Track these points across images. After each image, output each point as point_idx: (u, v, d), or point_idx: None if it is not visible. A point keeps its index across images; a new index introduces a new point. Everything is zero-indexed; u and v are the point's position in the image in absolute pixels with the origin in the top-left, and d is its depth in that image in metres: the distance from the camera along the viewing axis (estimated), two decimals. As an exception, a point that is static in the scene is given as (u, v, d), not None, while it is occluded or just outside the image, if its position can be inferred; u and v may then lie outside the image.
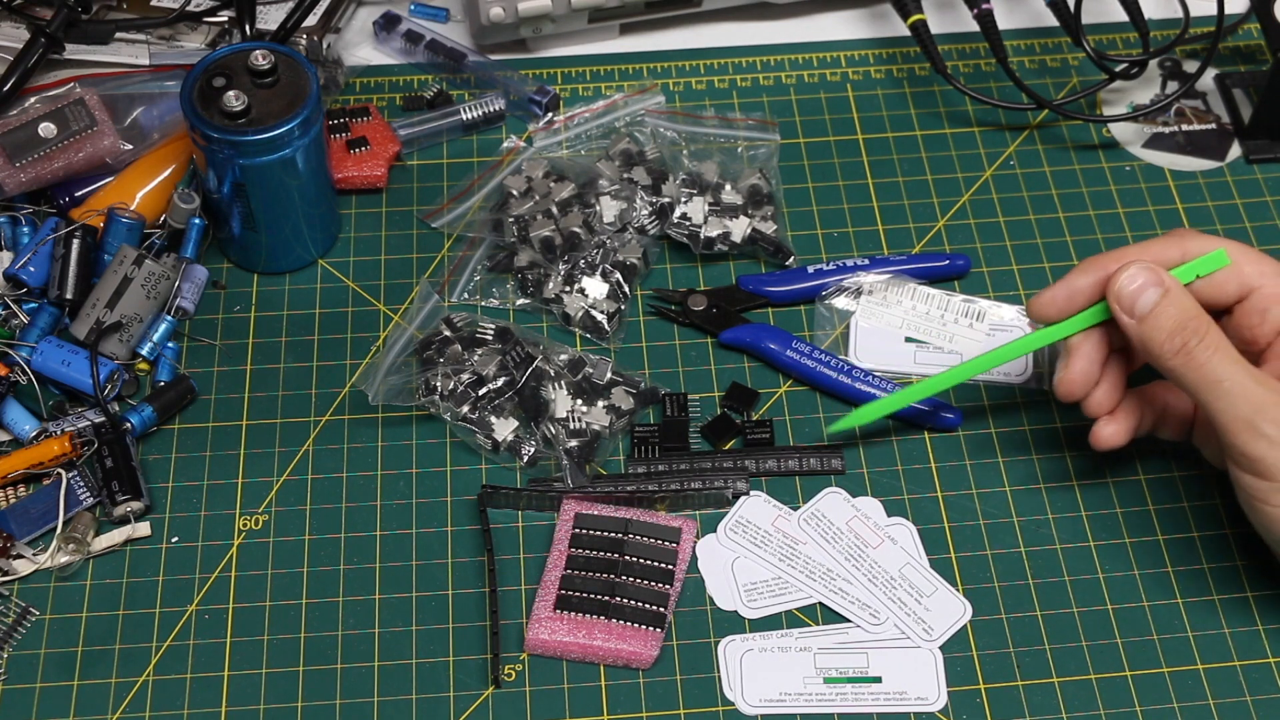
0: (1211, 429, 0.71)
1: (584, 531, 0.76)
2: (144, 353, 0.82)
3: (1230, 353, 0.69)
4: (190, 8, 0.92)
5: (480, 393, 0.80)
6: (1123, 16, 0.98)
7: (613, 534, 0.75)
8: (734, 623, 0.74)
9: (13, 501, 0.77)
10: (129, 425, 0.78)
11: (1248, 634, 0.74)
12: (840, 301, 0.86)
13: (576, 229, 0.86)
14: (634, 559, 0.75)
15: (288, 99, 0.80)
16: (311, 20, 0.95)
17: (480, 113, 0.93)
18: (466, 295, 0.86)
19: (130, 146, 0.86)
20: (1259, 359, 0.72)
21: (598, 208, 0.87)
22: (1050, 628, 0.74)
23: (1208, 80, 0.98)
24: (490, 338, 0.82)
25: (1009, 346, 0.75)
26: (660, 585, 0.74)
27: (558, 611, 0.73)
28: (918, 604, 0.75)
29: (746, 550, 0.76)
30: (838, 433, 0.79)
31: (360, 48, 0.99)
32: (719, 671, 0.72)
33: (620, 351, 0.84)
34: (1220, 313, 0.73)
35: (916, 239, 0.89)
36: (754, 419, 0.81)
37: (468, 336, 0.82)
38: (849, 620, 0.74)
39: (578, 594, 0.73)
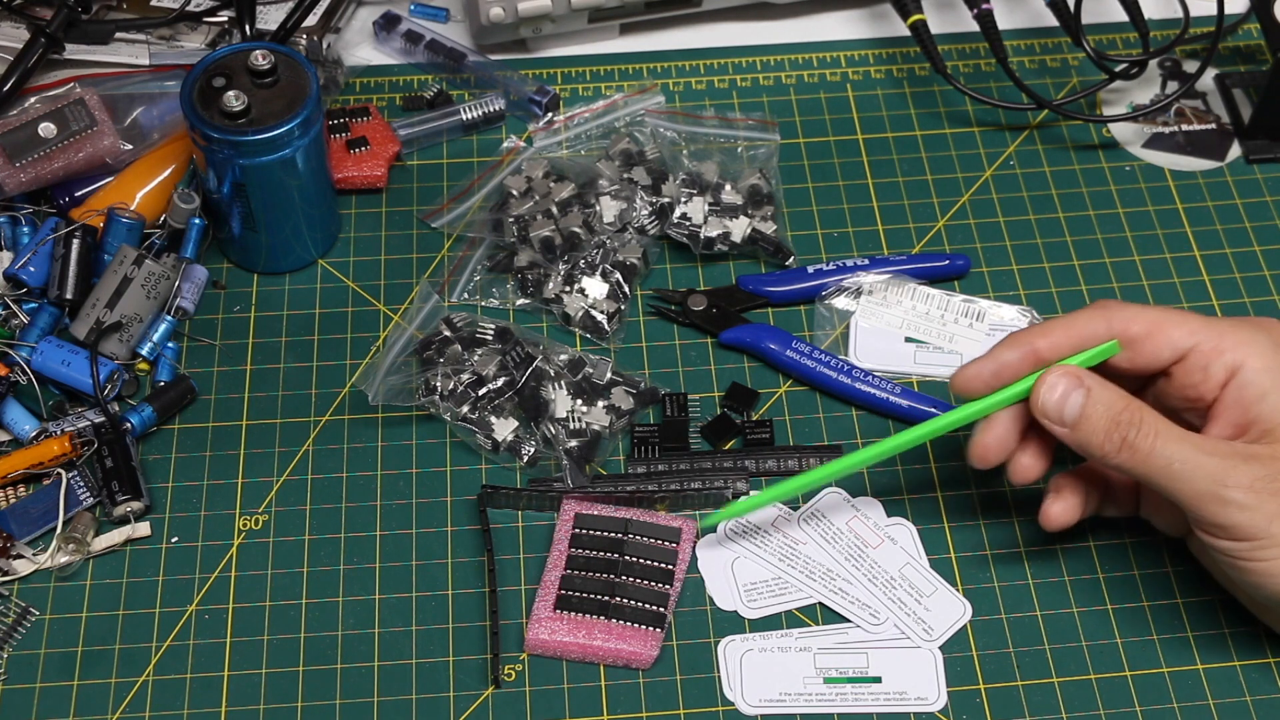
0: (1161, 501, 0.71)
1: (584, 532, 0.76)
2: (144, 353, 0.82)
3: (1171, 431, 0.67)
4: (190, 8, 0.92)
5: (480, 393, 0.80)
6: (1123, 16, 0.98)
7: (612, 534, 0.75)
8: (734, 623, 0.74)
9: (13, 501, 0.77)
10: (129, 425, 0.78)
11: (1248, 634, 0.74)
12: (840, 301, 0.86)
13: (576, 229, 0.86)
14: (634, 559, 0.75)
15: (288, 99, 0.80)
16: (311, 20, 0.95)
17: (480, 113, 0.94)
18: (466, 295, 0.86)
19: (130, 146, 0.86)
20: (1206, 414, 0.70)
21: (598, 208, 0.87)
22: (1050, 628, 0.74)
23: (1208, 80, 0.98)
24: (490, 338, 0.82)
25: (919, 429, 0.72)
26: (660, 585, 0.74)
27: (558, 611, 0.73)
28: (918, 604, 0.75)
29: (746, 550, 0.76)
30: (709, 526, 0.76)
31: (360, 48, 0.99)
32: (719, 671, 0.72)
33: (620, 351, 0.84)
34: (1156, 375, 0.71)
35: (916, 239, 0.89)
36: (754, 419, 0.81)
37: (468, 336, 0.82)
38: (849, 620, 0.74)
39: (578, 594, 0.73)
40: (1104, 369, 0.70)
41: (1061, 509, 0.72)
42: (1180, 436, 0.67)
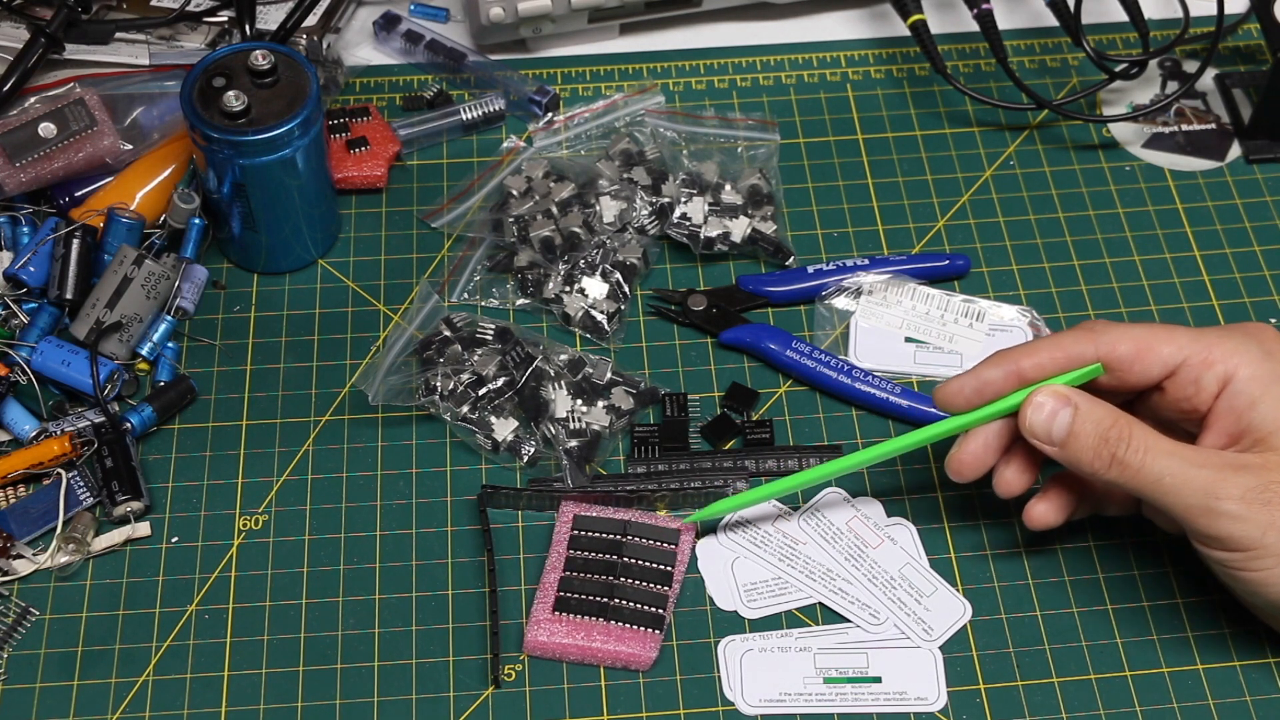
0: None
1: (582, 533, 0.76)
2: (144, 353, 0.82)
3: (1161, 445, 0.67)
4: (190, 8, 0.92)
5: (480, 393, 0.80)
6: (1123, 16, 0.98)
7: (611, 535, 0.75)
8: (734, 623, 0.74)
9: (13, 501, 0.77)
10: (129, 425, 0.78)
11: (1247, 634, 0.74)
12: (840, 301, 0.86)
13: (576, 229, 0.86)
14: (632, 560, 0.75)
15: (288, 99, 0.80)
16: (311, 20, 0.95)
17: (480, 113, 0.94)
18: (466, 295, 0.86)
19: (130, 146, 0.86)
20: (1201, 425, 0.70)
21: (598, 208, 0.87)
22: (1050, 628, 0.74)
23: (1208, 80, 0.98)
24: (490, 338, 0.82)
25: (902, 439, 0.73)
26: (659, 587, 0.74)
27: (556, 614, 0.73)
28: (918, 604, 0.75)
29: (746, 550, 0.76)
30: (700, 520, 0.76)
31: (360, 48, 0.99)
32: (719, 672, 0.72)
33: (620, 351, 0.84)
34: (1150, 390, 0.71)
35: (916, 239, 0.89)
36: (754, 419, 0.81)
37: (468, 336, 0.82)
38: (849, 620, 0.74)
39: (576, 596, 0.73)
40: (1095, 385, 0.70)
41: (1044, 509, 0.73)
42: (1170, 450, 0.67)
